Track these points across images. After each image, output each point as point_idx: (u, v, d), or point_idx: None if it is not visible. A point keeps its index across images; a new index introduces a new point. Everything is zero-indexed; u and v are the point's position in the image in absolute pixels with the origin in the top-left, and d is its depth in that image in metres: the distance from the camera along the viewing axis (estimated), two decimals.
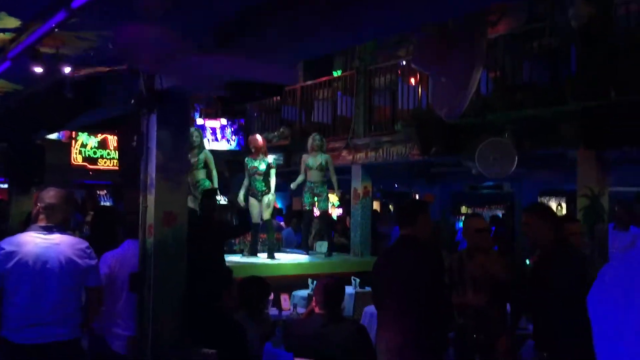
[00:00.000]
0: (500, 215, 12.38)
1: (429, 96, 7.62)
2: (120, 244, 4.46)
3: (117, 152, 11.63)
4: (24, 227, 3.98)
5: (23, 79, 5.52)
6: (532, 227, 3.79)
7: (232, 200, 8.70)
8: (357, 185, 9.22)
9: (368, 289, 6.11)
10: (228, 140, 10.71)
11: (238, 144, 10.86)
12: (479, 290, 4.13)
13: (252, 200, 7.97)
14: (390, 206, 14.49)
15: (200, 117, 10.45)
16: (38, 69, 4.61)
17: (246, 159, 8.10)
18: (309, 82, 10.58)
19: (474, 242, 4.33)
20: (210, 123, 10.52)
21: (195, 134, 7.73)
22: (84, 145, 13.06)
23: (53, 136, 10.92)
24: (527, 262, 6.74)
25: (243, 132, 10.68)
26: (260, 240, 8.20)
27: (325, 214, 8.64)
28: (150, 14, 3.40)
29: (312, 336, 3.85)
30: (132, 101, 4.48)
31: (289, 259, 8.12)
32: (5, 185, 10.50)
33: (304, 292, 6.65)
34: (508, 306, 4.38)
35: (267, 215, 8.00)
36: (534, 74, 6.86)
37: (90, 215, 7.26)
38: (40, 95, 5.88)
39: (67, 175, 11.66)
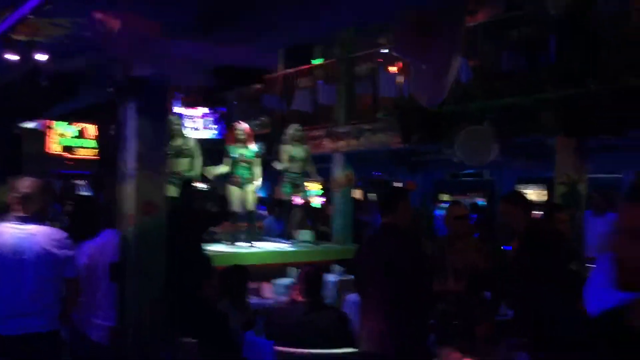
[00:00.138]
0: (480, 203, 12.48)
1: (410, 84, 7.62)
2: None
3: (96, 141, 11.49)
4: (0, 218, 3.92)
5: None
6: (508, 215, 3.90)
7: (213, 187, 8.61)
8: (339, 173, 9.23)
9: (350, 276, 6.13)
10: (209, 129, 10.65)
11: (220, 132, 10.81)
12: (460, 277, 4.18)
13: (234, 189, 7.89)
14: (368, 194, 14.50)
15: (181, 105, 10.36)
16: (12, 57, 4.52)
17: (230, 146, 7.96)
18: (290, 70, 10.53)
19: (454, 229, 4.38)
20: (190, 112, 10.44)
21: (175, 121, 7.65)
22: (62, 135, 12.87)
23: (31, 125, 10.74)
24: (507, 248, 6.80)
25: (224, 121, 10.61)
26: (243, 228, 8.16)
27: (307, 203, 8.63)
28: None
29: (295, 324, 3.86)
30: (110, 89, 4.41)
31: (271, 247, 8.10)
32: None
33: (285, 281, 6.65)
34: (488, 293, 4.43)
35: (251, 206, 7.93)
36: (513, 63, 6.89)
37: (69, 205, 7.17)
38: (15, 84, 5.77)
39: (45, 165, 11.48)
